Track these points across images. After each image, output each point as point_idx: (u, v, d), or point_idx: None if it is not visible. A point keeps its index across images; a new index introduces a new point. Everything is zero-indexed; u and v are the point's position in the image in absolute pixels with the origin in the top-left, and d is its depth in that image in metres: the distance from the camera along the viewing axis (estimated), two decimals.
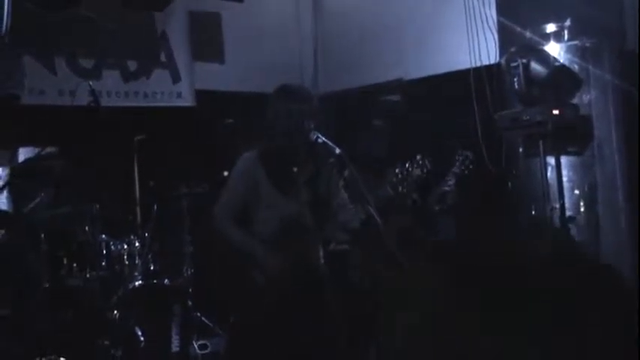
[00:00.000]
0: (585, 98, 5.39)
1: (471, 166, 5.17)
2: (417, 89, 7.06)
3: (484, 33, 6.19)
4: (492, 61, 6.05)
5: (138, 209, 6.19)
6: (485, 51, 6.14)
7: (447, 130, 6.35)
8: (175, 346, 5.57)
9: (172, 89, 7.34)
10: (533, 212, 5.51)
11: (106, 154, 6.28)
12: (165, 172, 6.46)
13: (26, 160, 6.30)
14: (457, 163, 5.18)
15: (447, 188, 5.14)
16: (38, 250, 5.44)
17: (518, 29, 5.67)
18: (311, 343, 3.93)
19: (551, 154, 5.34)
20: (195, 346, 5.70)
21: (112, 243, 5.79)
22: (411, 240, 4.74)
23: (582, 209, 5.38)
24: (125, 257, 5.80)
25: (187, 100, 7.40)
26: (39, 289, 5.33)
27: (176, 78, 7.37)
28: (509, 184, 5.81)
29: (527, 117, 5.26)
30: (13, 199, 6.06)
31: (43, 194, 5.61)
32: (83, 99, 5.94)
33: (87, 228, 5.69)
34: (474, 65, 6.17)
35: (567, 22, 5.47)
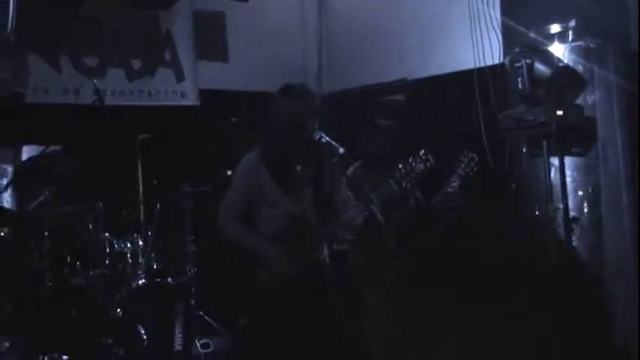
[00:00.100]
0: (589, 99, 5.38)
1: (475, 168, 5.17)
2: (421, 89, 7.06)
3: (488, 33, 6.18)
4: (496, 62, 6.04)
5: (141, 208, 6.20)
6: (489, 51, 6.14)
7: (451, 130, 6.35)
8: (178, 344, 5.57)
9: (176, 88, 7.35)
10: (536, 212, 5.50)
11: (109, 153, 6.29)
12: (168, 171, 6.47)
13: (30, 159, 6.32)
14: (462, 165, 5.18)
15: (450, 190, 5.14)
16: (41, 248, 5.46)
17: (522, 30, 5.66)
18: (316, 343, 3.93)
19: (554, 154, 5.33)
20: (198, 344, 5.71)
21: (115, 241, 5.80)
22: (411, 237, 4.73)
23: (586, 210, 5.37)
24: (128, 256, 5.81)
25: (191, 99, 7.41)
26: (42, 286, 5.34)
27: (180, 77, 7.37)
28: (513, 184, 5.81)
29: (531, 117, 5.25)
30: (17, 197, 6.08)
31: (46, 192, 5.62)
32: (87, 97, 5.96)
33: (90, 226, 5.70)
34: (477, 65, 6.16)
35: (572, 23, 5.46)
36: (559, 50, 5.45)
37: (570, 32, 5.47)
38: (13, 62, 6.28)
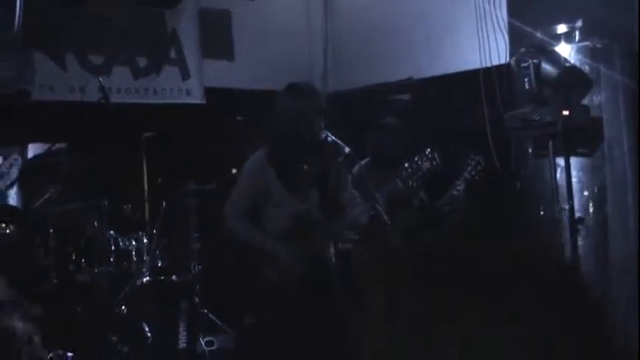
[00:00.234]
0: (596, 99, 5.37)
1: (482, 172, 5.18)
2: (427, 88, 7.05)
3: (494, 33, 6.17)
4: (502, 62, 6.04)
5: (146, 206, 6.21)
6: (496, 51, 6.13)
7: (457, 130, 6.34)
8: (182, 342, 5.58)
9: (182, 86, 7.36)
10: (541, 213, 5.49)
11: (114, 151, 6.30)
12: (173, 169, 6.47)
13: (35, 157, 6.33)
14: (468, 168, 5.19)
15: (455, 193, 5.14)
16: (47, 245, 5.47)
17: (529, 30, 5.65)
18: (321, 343, 3.93)
19: (560, 154, 5.32)
20: (202, 342, 5.72)
21: (120, 239, 5.81)
22: (415, 238, 4.74)
23: (591, 210, 5.36)
24: (133, 253, 5.83)
25: (197, 98, 7.42)
26: (47, 284, 5.35)
27: (186, 75, 7.38)
28: (518, 184, 5.80)
29: (537, 117, 5.24)
30: (23, 194, 6.09)
31: (52, 190, 5.63)
32: (93, 95, 5.97)
33: (95, 224, 5.71)
34: (484, 65, 6.15)
35: (578, 23, 5.45)
36: (565, 50, 5.44)
37: (577, 32, 5.46)
38: (19, 60, 6.28)
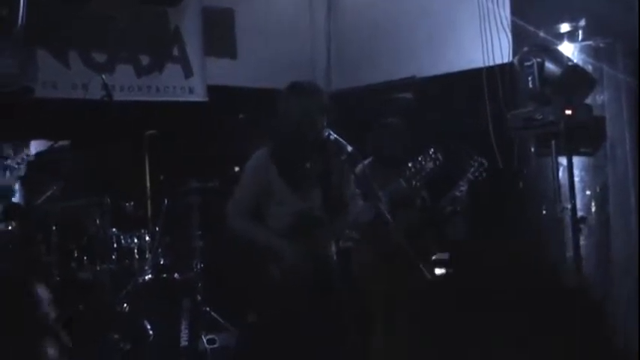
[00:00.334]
0: (598, 99, 5.37)
1: (484, 174, 5.17)
2: (430, 87, 7.05)
3: (497, 32, 6.16)
4: (505, 61, 6.03)
5: (148, 203, 6.21)
6: (499, 50, 6.12)
7: (459, 129, 6.34)
8: (184, 340, 5.58)
9: (184, 84, 7.36)
10: (544, 212, 5.49)
11: (117, 149, 6.30)
12: (176, 167, 6.47)
13: (38, 154, 6.33)
14: (472, 170, 5.18)
15: (458, 194, 5.14)
16: (49, 242, 5.47)
17: (532, 29, 5.65)
18: (323, 342, 3.93)
19: (563, 154, 5.32)
20: (204, 340, 5.72)
21: (122, 237, 5.82)
22: (417, 238, 4.74)
23: (594, 210, 5.36)
24: (135, 251, 5.84)
25: (199, 95, 7.42)
26: (49, 281, 5.35)
27: (188, 73, 7.38)
28: (521, 183, 5.80)
29: (540, 116, 5.24)
30: (25, 191, 6.09)
31: (54, 187, 5.64)
32: (96, 93, 5.97)
33: (98, 221, 5.72)
34: (487, 64, 6.15)
35: (581, 22, 5.44)
36: (568, 49, 5.43)
37: (580, 32, 5.46)
38: (22, 57, 6.29)
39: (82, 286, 5.56)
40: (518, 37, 5.89)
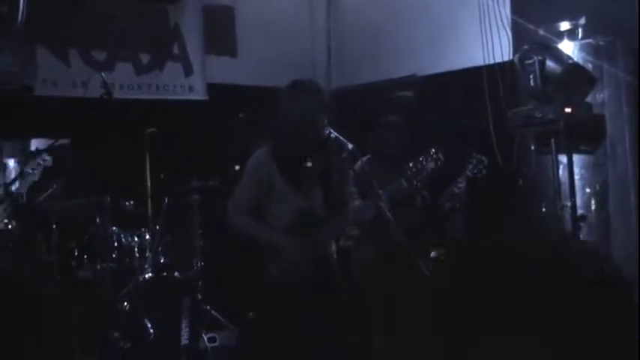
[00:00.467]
0: (599, 97, 5.37)
1: (484, 171, 5.17)
2: (431, 85, 7.05)
3: (498, 31, 6.17)
4: (505, 59, 6.03)
5: (149, 202, 6.21)
6: (499, 48, 6.12)
7: (460, 127, 6.34)
8: (185, 338, 5.57)
9: (185, 82, 7.36)
10: (543, 210, 5.49)
11: (117, 147, 6.30)
12: (176, 166, 6.47)
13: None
14: (470, 167, 5.18)
15: (456, 190, 5.13)
16: (49, 241, 5.47)
17: (532, 27, 5.65)
18: (323, 341, 3.93)
19: (563, 152, 5.32)
20: (205, 339, 5.71)
21: (122, 235, 5.81)
22: (417, 236, 4.74)
23: (593, 208, 5.36)
24: (135, 250, 5.83)
25: (199, 94, 7.42)
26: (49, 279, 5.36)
27: (189, 71, 7.38)
28: (521, 181, 5.80)
29: (540, 115, 5.24)
30: (26, 190, 6.09)
31: (54, 186, 5.63)
32: (96, 91, 5.97)
33: (98, 220, 5.71)
34: (487, 63, 6.15)
35: (581, 21, 5.44)
36: (568, 48, 5.44)
37: (580, 30, 5.46)
38: (22, 55, 6.29)
39: (82, 284, 5.56)
40: (519, 35, 5.89)
